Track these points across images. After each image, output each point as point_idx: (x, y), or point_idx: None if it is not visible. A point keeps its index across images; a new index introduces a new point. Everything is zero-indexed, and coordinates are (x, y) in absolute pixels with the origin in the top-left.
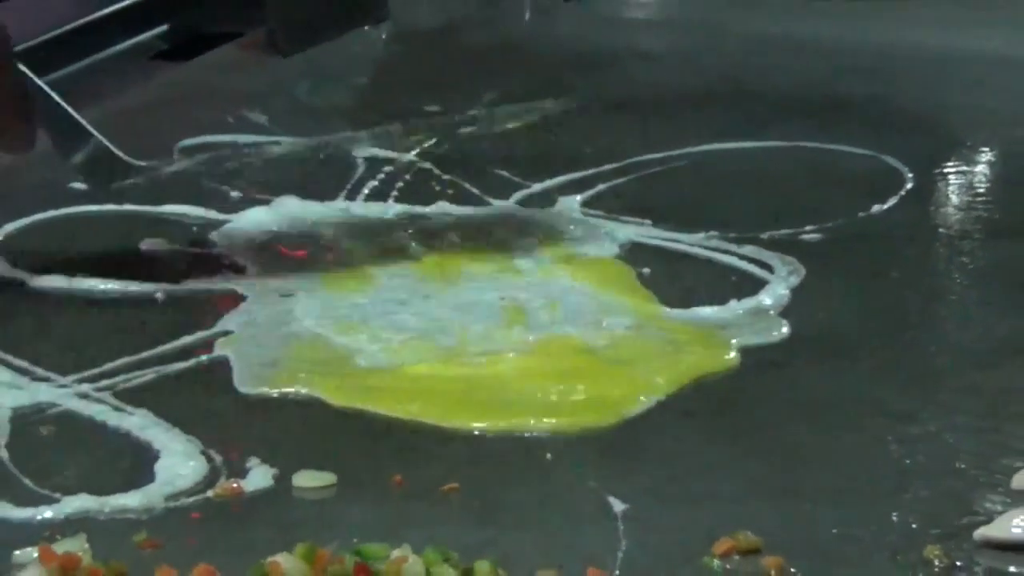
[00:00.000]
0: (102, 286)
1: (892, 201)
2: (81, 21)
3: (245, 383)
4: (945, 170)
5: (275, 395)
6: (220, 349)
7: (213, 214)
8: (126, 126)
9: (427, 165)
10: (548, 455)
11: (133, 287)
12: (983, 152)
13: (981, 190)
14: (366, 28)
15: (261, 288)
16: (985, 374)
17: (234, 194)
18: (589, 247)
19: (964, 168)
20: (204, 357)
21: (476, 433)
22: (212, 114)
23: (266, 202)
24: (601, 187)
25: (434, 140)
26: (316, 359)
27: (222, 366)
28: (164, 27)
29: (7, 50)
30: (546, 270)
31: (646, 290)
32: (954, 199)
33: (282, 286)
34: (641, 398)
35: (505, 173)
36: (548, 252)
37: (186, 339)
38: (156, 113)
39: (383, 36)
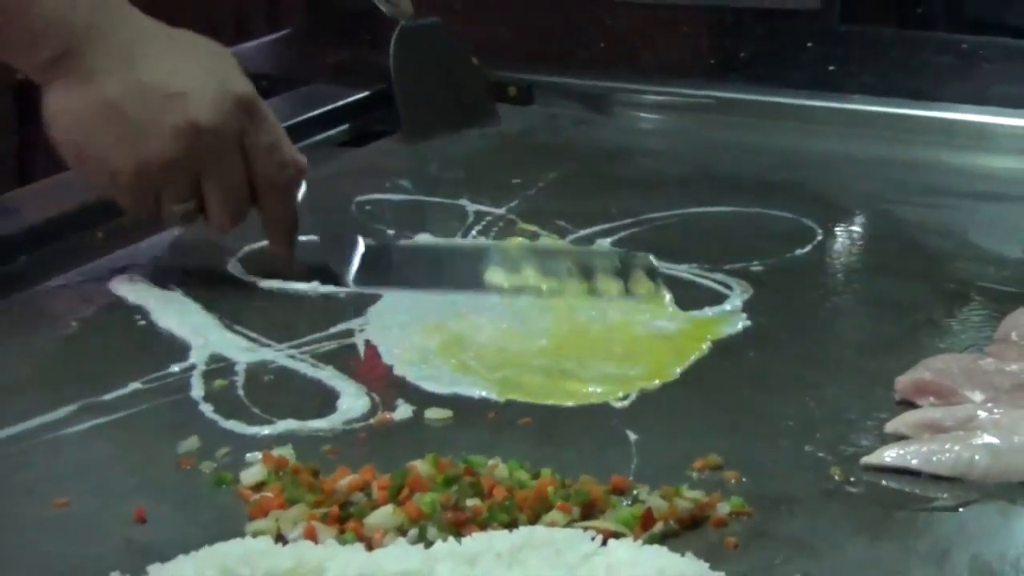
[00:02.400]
0: (303, 287)
1: (808, 247)
2: (292, 121)
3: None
4: (842, 229)
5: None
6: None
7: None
8: (321, 188)
9: (512, 216)
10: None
11: (322, 288)
12: (865, 217)
13: (863, 242)
14: (477, 129)
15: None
16: (867, 359)
17: (389, 232)
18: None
19: (854, 228)
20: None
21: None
22: (377, 182)
23: (410, 237)
24: (623, 234)
25: (517, 201)
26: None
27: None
28: (346, 125)
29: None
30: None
31: None
32: (848, 247)
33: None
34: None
35: (562, 223)
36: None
37: (353, 323)
38: (341, 181)
39: (484, 134)
